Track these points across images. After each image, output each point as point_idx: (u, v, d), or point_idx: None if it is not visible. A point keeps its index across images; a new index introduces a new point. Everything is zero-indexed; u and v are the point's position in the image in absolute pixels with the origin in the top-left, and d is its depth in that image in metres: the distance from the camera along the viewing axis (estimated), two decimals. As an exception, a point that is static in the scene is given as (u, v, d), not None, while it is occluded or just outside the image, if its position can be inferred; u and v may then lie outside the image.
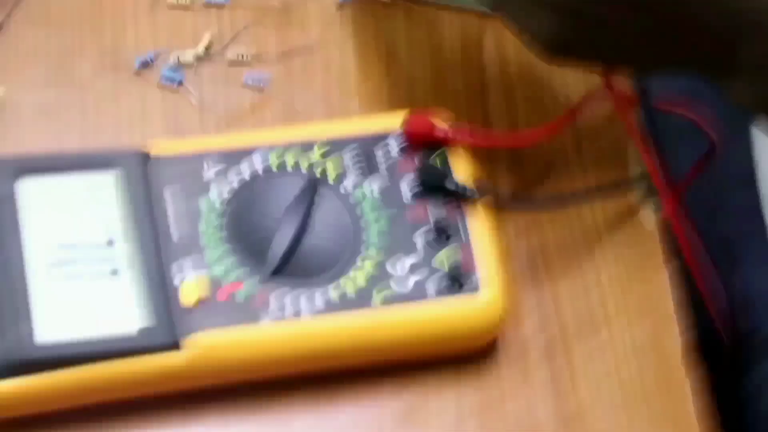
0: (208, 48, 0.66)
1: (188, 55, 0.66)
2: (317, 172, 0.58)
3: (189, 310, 0.53)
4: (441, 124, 0.59)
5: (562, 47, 0.52)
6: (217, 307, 0.54)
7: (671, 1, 0.49)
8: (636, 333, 0.60)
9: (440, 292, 0.55)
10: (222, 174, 0.58)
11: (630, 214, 0.64)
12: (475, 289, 0.55)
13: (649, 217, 0.63)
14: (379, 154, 0.59)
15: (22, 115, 0.63)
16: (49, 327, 0.52)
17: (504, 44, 0.66)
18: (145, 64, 0.65)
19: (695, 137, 0.64)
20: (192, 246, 0.55)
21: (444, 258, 0.56)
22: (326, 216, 0.57)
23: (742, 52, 0.50)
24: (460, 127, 0.59)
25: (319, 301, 0.54)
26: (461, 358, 0.58)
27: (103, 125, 0.63)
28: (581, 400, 0.58)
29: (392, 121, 0.59)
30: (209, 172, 0.57)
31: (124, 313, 0.53)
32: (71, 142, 0.61)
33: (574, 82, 0.62)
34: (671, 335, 0.60)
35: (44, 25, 0.66)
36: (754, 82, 0.51)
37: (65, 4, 0.67)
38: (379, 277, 0.55)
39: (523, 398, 0.57)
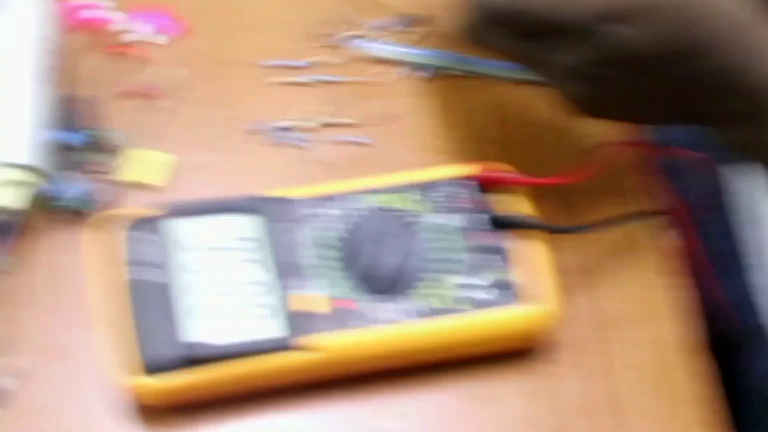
0: (318, 114, 0.69)
1: (308, 122, 0.69)
2: (411, 210, 0.61)
3: (314, 318, 0.57)
4: (504, 171, 0.63)
5: (593, 110, 0.57)
6: (334, 316, 0.58)
7: (684, 77, 0.53)
8: (660, 331, 0.63)
9: (506, 302, 0.59)
10: (324, 212, 0.61)
11: (651, 237, 0.66)
12: (533, 298, 0.59)
13: (665, 239, 0.66)
14: (456, 194, 0.62)
15: (189, 172, 0.67)
16: (211, 331, 0.57)
17: (549, 106, 0.66)
18: (268, 129, 0.69)
19: (693, 175, 0.67)
20: (302, 268, 0.59)
21: (501, 275, 0.60)
22: (415, 243, 0.60)
23: (733, 105, 0.54)
24: (517, 174, 0.63)
25: (413, 308, 0.58)
26: (523, 352, 0.61)
27: (236, 177, 0.67)
28: (617, 387, 0.61)
29: (466, 170, 0.63)
30: (314, 211, 0.61)
31: (264, 320, 0.57)
32: (224, 192, 0.64)
33: (600, 131, 0.65)
34: (687, 331, 0.63)
35: (201, 105, 0.70)
36: (741, 130, 0.55)
37: (217, 88, 0.71)
38: (458, 289, 0.59)
39: (573, 384, 0.61)
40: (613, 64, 0.53)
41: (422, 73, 0.72)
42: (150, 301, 0.58)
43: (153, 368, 0.56)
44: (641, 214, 0.66)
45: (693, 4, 0.52)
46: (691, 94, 0.54)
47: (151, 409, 0.58)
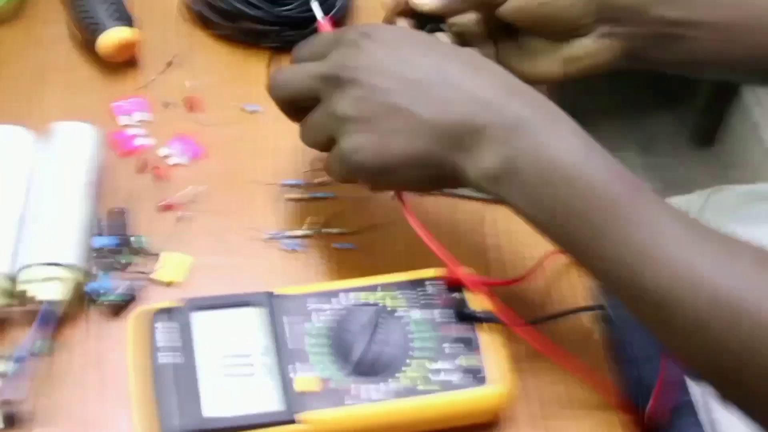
0: (314, 225, 0.72)
1: (300, 231, 0.71)
2: (389, 306, 0.63)
3: (300, 396, 0.58)
4: (465, 274, 0.63)
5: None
6: (318, 395, 0.58)
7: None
8: (596, 409, 0.64)
9: (464, 385, 0.60)
10: (320, 306, 0.62)
11: (589, 329, 0.68)
12: (486, 380, 0.60)
13: (597, 333, 0.68)
14: (421, 292, 0.63)
15: (196, 273, 0.68)
16: (213, 406, 0.58)
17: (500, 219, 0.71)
18: (274, 236, 0.71)
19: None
20: (301, 353, 0.60)
21: (467, 361, 0.61)
22: (387, 333, 0.61)
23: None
24: (476, 276, 0.64)
25: (384, 388, 0.59)
26: (476, 426, 0.62)
27: (246, 276, 0.69)
28: None
29: (431, 273, 0.64)
30: (311, 306, 0.62)
31: (260, 398, 0.58)
32: (226, 289, 0.65)
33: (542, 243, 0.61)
34: (621, 410, 0.64)
35: (208, 214, 0.72)
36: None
37: (223, 198, 0.73)
38: (423, 372, 0.60)
39: None
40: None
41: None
42: (170, 379, 0.58)
43: None
44: (579, 309, 0.68)
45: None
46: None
47: None
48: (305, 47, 0.64)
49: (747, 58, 0.64)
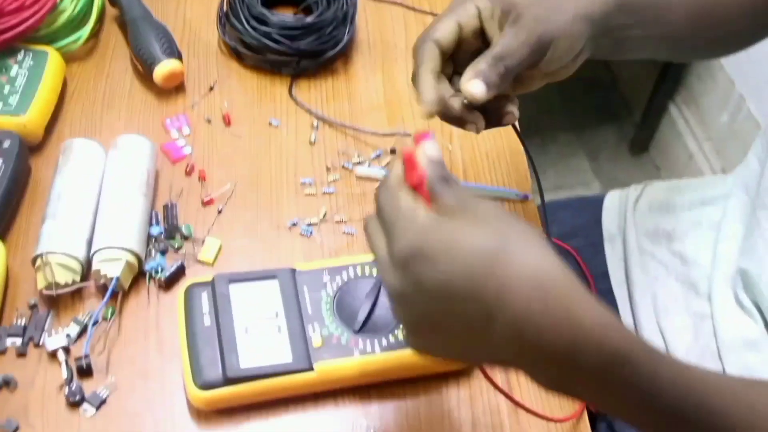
0: (325, 215, 0.71)
1: (315, 219, 0.70)
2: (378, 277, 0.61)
3: (317, 350, 0.58)
4: None
5: (411, 335, 0.45)
6: (330, 348, 0.58)
7: (468, 317, 0.41)
8: None
9: None
10: (331, 278, 0.62)
11: None
12: None
13: None
14: None
15: (232, 253, 0.67)
16: (247, 359, 0.57)
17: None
18: (294, 224, 0.70)
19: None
20: (317, 315, 0.60)
21: None
22: (385, 299, 0.60)
23: (519, 356, 0.41)
24: None
25: (383, 343, 0.58)
26: (457, 372, 0.61)
27: (272, 256, 0.68)
28: (521, 394, 0.61)
29: None
30: (325, 278, 0.61)
31: (284, 351, 0.58)
32: (257, 266, 0.65)
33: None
34: None
35: (242, 207, 0.71)
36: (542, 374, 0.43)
37: (253, 194, 0.71)
38: None
39: (489, 393, 0.61)
40: (416, 290, 0.41)
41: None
42: (213, 338, 0.58)
43: (203, 386, 0.57)
44: None
45: (486, 265, 0.40)
46: (478, 335, 0.41)
47: (202, 413, 0.59)
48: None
49: (661, 38, 0.60)
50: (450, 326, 0.42)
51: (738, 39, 0.65)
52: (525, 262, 0.40)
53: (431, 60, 0.54)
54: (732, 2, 0.61)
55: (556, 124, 1.80)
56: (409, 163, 0.44)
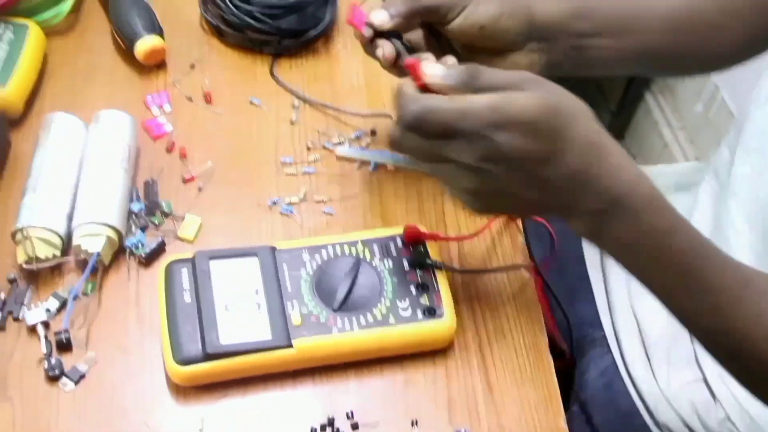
0: (305, 194, 0.71)
1: (295, 198, 0.70)
2: (360, 256, 0.62)
3: (296, 327, 0.58)
4: (422, 230, 0.64)
5: (477, 202, 0.51)
6: (309, 326, 0.58)
7: (547, 176, 0.48)
8: (526, 337, 0.64)
9: (424, 318, 0.60)
10: (311, 257, 0.62)
11: (521, 280, 0.67)
12: (441, 316, 0.60)
13: (529, 280, 0.67)
14: (391, 246, 0.63)
15: (212, 231, 0.67)
16: (226, 335, 0.57)
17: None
18: (274, 203, 0.70)
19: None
20: (296, 293, 0.60)
21: (425, 300, 0.61)
22: (364, 278, 0.61)
23: (584, 203, 0.50)
24: (432, 232, 0.65)
25: (362, 321, 0.59)
26: (434, 351, 0.62)
27: (252, 234, 0.67)
28: (496, 375, 0.62)
29: (398, 231, 0.64)
30: (305, 257, 0.62)
31: (263, 328, 0.58)
32: (237, 243, 0.64)
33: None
34: (543, 339, 0.64)
35: (223, 185, 0.71)
36: (591, 223, 0.51)
37: (234, 173, 0.71)
38: (392, 309, 0.60)
39: (466, 373, 0.62)
40: (493, 161, 0.47)
41: (368, 167, 0.72)
42: (193, 314, 0.58)
43: (182, 361, 0.57)
44: (511, 266, 0.68)
45: (560, 126, 0.47)
46: (552, 191, 0.49)
47: (181, 388, 0.59)
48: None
49: (639, 50, 0.62)
50: (520, 180, 0.49)
51: (727, 51, 0.66)
52: (584, 123, 0.49)
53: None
54: (714, 10, 0.63)
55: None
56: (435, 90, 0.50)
